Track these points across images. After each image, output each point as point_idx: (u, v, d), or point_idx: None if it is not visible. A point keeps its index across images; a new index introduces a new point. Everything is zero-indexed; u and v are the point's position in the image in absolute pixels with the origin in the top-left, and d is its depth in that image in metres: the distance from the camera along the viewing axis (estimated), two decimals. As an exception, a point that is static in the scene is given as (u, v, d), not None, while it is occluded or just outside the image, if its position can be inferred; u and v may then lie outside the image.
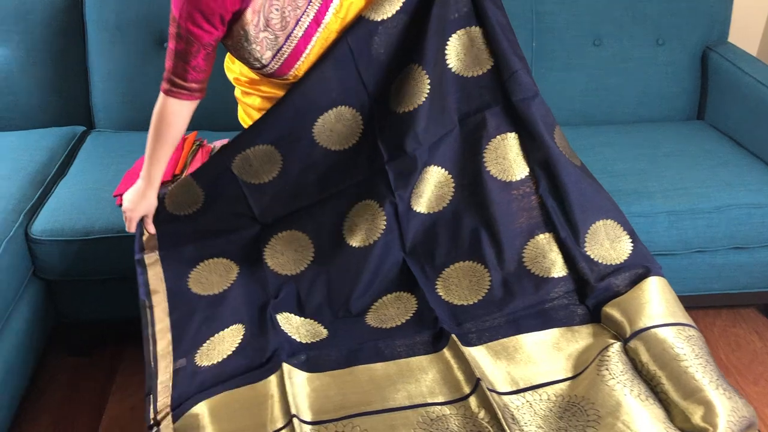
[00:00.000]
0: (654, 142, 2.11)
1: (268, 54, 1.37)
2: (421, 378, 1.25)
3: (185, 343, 1.34)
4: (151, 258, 1.51)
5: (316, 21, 1.38)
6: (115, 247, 1.75)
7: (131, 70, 2.15)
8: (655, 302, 1.32)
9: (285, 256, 1.46)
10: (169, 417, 1.23)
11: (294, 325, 1.38)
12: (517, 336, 1.33)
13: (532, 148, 1.47)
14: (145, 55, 2.15)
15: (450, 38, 1.45)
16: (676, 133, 2.18)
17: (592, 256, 1.43)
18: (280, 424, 1.16)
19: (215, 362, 1.30)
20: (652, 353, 1.23)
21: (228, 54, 1.58)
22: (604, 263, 1.43)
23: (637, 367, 1.23)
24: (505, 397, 1.20)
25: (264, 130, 1.45)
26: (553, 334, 1.34)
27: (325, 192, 1.49)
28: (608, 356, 1.23)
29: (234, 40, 1.35)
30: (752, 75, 2.11)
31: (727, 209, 1.84)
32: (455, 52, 1.46)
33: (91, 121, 2.23)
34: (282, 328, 1.36)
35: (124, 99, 2.18)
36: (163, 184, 1.76)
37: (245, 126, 1.61)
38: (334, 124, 1.45)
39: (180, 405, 1.24)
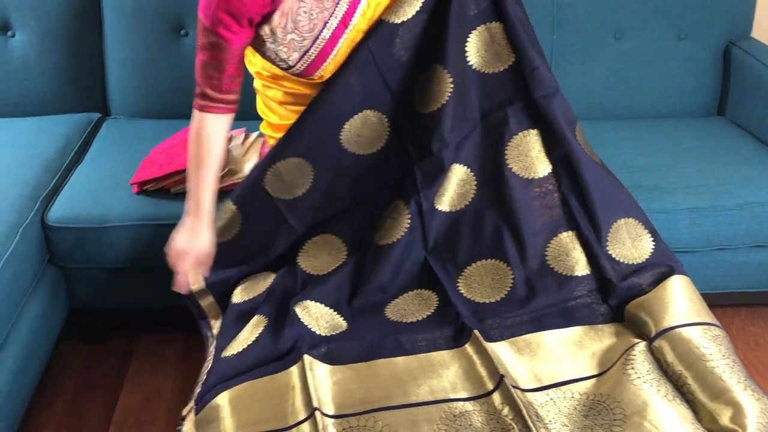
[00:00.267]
0: (675, 138, 2.09)
1: (295, 55, 1.36)
2: (443, 373, 1.23)
3: (219, 348, 1.34)
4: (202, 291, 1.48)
5: (344, 22, 1.37)
6: (132, 235, 1.74)
7: (148, 58, 2.14)
8: (680, 301, 1.31)
9: (318, 259, 1.46)
10: (193, 411, 1.23)
11: (313, 317, 1.36)
12: (539, 333, 1.32)
13: (553, 145, 1.46)
14: (161, 42, 2.13)
15: (470, 35, 1.44)
16: (696, 129, 2.16)
17: (614, 256, 1.42)
18: (301, 416, 1.15)
19: (235, 353, 1.29)
20: (677, 353, 1.21)
21: (250, 47, 1.57)
22: (626, 262, 1.42)
23: (663, 367, 1.21)
24: (529, 394, 1.19)
25: (292, 143, 1.45)
26: (576, 332, 1.32)
27: (358, 197, 1.49)
28: (634, 355, 1.22)
29: (260, 41, 1.34)
30: (776, 71, 2.08)
31: (750, 207, 1.82)
32: (476, 48, 1.45)
33: (107, 108, 2.21)
34: (301, 320, 1.35)
35: (140, 86, 2.16)
36: (179, 172, 1.76)
37: (263, 116, 1.60)
38: (360, 129, 1.45)
39: (202, 397, 1.23)
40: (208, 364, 1.35)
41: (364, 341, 1.31)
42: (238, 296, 1.46)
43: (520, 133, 1.46)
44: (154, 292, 1.84)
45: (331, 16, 1.35)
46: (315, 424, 1.12)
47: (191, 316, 1.52)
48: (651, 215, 1.53)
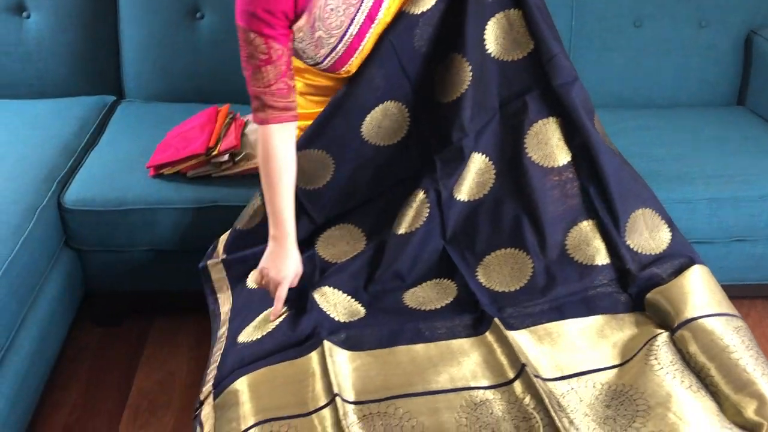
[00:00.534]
0: (694, 127, 2.07)
1: (323, 52, 1.35)
2: (462, 361, 1.23)
3: (234, 329, 1.34)
4: (216, 265, 1.50)
5: (370, 17, 1.37)
6: (148, 219, 1.74)
7: (163, 40, 2.12)
8: (700, 292, 1.30)
9: (337, 248, 1.46)
10: (211, 395, 1.22)
11: (331, 303, 1.36)
12: (560, 321, 1.31)
13: (572, 133, 1.45)
14: (177, 25, 2.11)
15: (488, 22, 1.43)
16: (716, 119, 2.13)
17: (632, 246, 1.41)
18: (322, 402, 1.14)
19: (255, 339, 1.29)
20: (700, 344, 1.20)
21: None
22: (644, 253, 1.41)
23: (685, 358, 1.20)
24: (550, 384, 1.18)
25: (314, 136, 1.44)
26: (597, 321, 1.31)
27: (379, 187, 1.49)
28: (657, 346, 1.21)
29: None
30: (798, 61, 2.06)
31: (770, 198, 1.80)
32: (494, 36, 1.43)
33: (121, 90, 2.20)
34: (320, 306, 1.34)
35: (155, 69, 2.15)
36: (195, 156, 1.75)
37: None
38: (381, 121, 1.45)
39: (220, 382, 1.22)
40: (220, 345, 1.34)
41: (383, 328, 1.31)
42: (251, 283, 1.46)
43: (539, 122, 1.45)
44: (169, 276, 1.85)
45: (357, 11, 1.34)
46: (336, 410, 1.12)
47: (205, 301, 1.52)
48: (670, 205, 1.52)
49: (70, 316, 1.81)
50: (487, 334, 1.27)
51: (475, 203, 1.47)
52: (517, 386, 1.16)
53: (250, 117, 1.90)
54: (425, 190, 1.44)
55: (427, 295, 1.39)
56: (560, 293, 1.36)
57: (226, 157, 1.76)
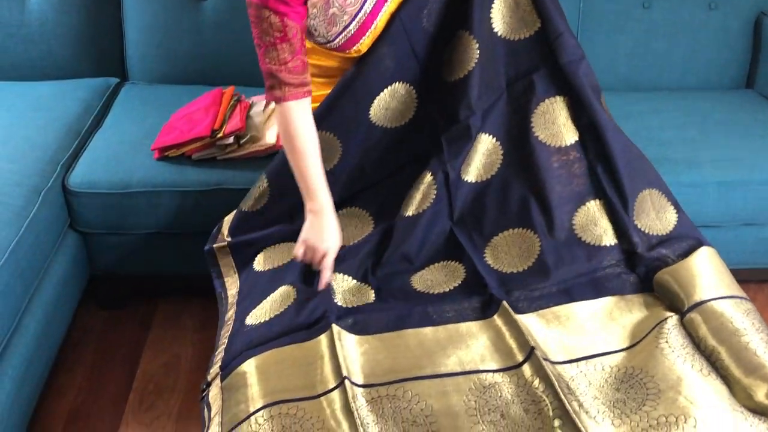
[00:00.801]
0: (702, 110, 2.05)
1: (335, 30, 1.34)
2: (471, 344, 1.22)
3: (241, 312, 1.34)
4: (222, 248, 1.50)
5: None
6: (153, 202, 1.73)
7: (167, 22, 2.10)
8: (708, 274, 1.29)
9: (345, 231, 1.44)
10: (218, 377, 1.22)
11: (339, 289, 1.35)
12: (569, 304, 1.30)
13: (579, 112, 1.43)
14: (181, 7, 2.10)
15: (495, 1, 1.41)
16: (725, 102, 2.11)
17: (639, 226, 1.40)
18: (331, 384, 1.14)
19: (263, 321, 1.28)
20: (709, 326, 1.19)
21: None
22: (651, 233, 1.40)
23: (695, 342, 1.19)
24: (559, 367, 1.17)
25: (321, 118, 1.43)
26: (606, 303, 1.30)
27: (387, 170, 1.48)
28: (667, 329, 1.20)
29: None
30: (809, 43, 2.04)
31: (780, 182, 1.79)
32: (500, 15, 1.42)
33: (125, 72, 2.19)
34: (329, 291, 1.33)
35: (159, 51, 2.14)
36: (200, 138, 1.74)
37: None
38: (389, 102, 1.44)
39: (228, 364, 1.22)
40: (228, 328, 1.34)
41: (391, 312, 1.30)
42: (261, 264, 1.45)
43: (546, 100, 1.44)
44: (174, 259, 1.84)
45: None
46: (345, 393, 1.11)
47: (210, 283, 1.52)
48: (679, 188, 1.51)
49: (75, 299, 1.81)
50: (496, 317, 1.26)
51: (482, 184, 1.46)
52: (526, 369, 1.15)
53: (254, 99, 1.89)
54: (433, 172, 1.43)
55: (435, 278, 1.39)
56: (568, 274, 1.35)
57: (231, 139, 1.75)
